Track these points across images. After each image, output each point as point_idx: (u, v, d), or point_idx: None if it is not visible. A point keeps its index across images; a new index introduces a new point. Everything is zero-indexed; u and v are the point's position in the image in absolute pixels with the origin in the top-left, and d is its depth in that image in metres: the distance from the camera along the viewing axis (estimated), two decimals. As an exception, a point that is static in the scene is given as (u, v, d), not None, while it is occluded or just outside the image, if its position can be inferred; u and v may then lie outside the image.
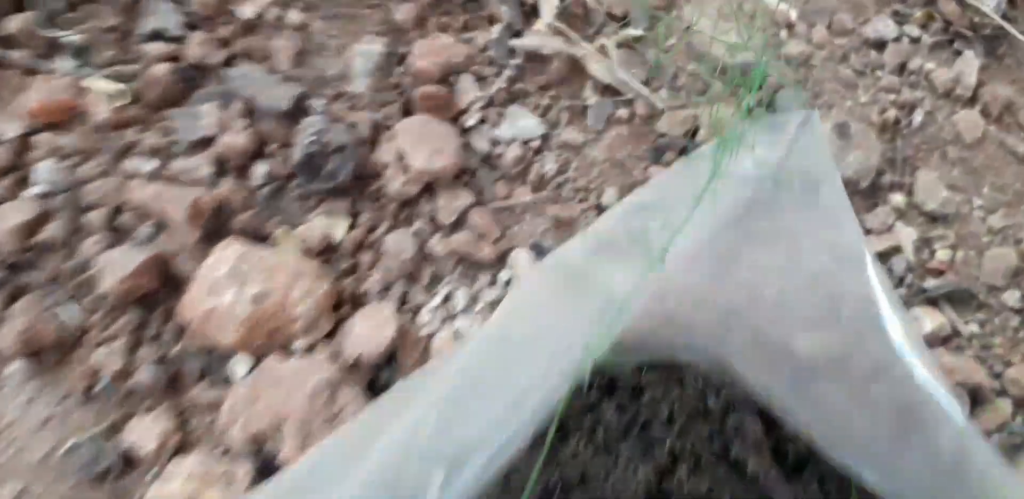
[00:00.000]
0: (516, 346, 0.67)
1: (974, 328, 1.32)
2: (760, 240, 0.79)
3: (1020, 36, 1.33)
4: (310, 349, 1.16)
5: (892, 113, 1.33)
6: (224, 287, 1.13)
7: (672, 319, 0.91)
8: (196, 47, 1.21)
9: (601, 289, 0.69)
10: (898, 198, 1.34)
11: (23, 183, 1.19)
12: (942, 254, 1.33)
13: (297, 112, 1.22)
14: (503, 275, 1.27)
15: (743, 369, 0.87)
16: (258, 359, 1.16)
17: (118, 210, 1.19)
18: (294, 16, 1.25)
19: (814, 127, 0.82)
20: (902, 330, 0.72)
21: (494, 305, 1.26)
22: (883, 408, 0.69)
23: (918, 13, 1.37)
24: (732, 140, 0.74)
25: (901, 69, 1.36)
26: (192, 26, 1.23)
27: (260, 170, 1.21)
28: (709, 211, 0.74)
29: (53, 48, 1.23)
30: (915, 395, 0.67)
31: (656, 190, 0.83)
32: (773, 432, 0.88)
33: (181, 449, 1.09)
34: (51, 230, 1.16)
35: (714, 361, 0.90)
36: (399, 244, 1.23)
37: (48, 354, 1.12)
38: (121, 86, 1.17)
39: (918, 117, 1.34)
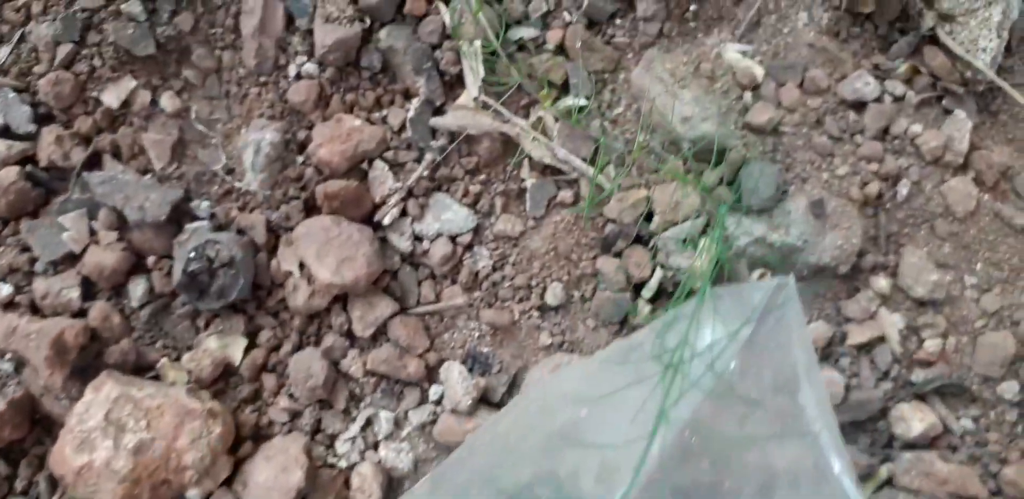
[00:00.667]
0: None
1: (967, 424, 1.18)
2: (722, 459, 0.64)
3: (1018, 97, 1.16)
4: (206, 500, 1.00)
5: (875, 186, 1.16)
6: (98, 440, 0.96)
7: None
8: (50, 146, 1.01)
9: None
10: (882, 282, 1.18)
11: None
12: (931, 343, 1.17)
13: (178, 217, 1.04)
14: (433, 392, 1.11)
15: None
16: (146, 514, 1.00)
17: (-31, 346, 1.01)
18: (169, 101, 1.05)
19: (788, 303, 0.65)
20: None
21: (424, 428, 1.10)
22: None
23: (902, 67, 1.18)
24: (681, 347, 0.58)
25: (884, 133, 1.18)
26: (45, 119, 1.04)
27: (138, 289, 1.04)
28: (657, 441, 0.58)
29: None
30: None
31: (589, 386, 0.67)
32: None
33: None
34: None
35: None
36: (308, 364, 1.06)
37: None
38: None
39: (903, 189, 1.17)
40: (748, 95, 1.18)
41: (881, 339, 1.18)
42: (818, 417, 0.60)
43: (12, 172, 1.01)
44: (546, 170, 1.15)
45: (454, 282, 1.12)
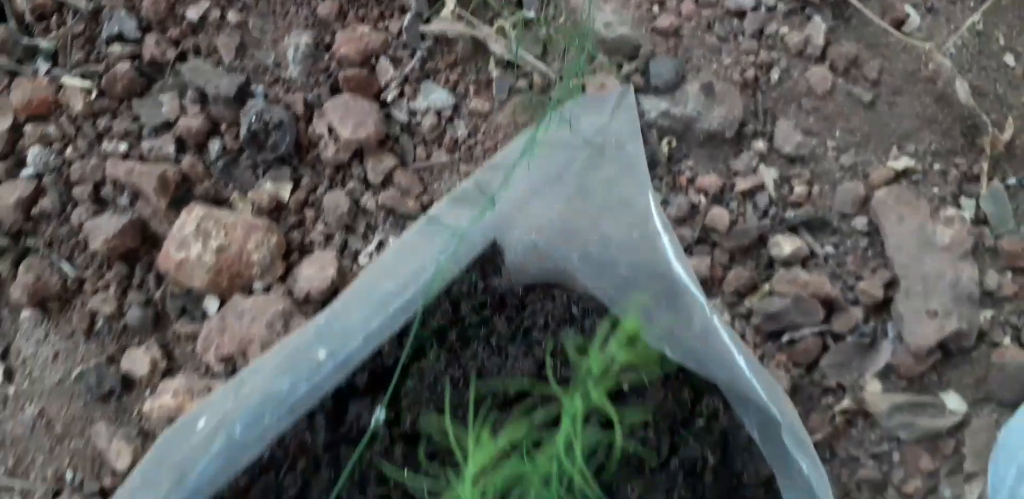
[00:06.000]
0: (386, 269, 0.92)
1: (829, 249, 1.56)
2: (582, 192, 1.04)
3: (860, 6, 1.55)
4: (267, 289, 1.42)
5: (752, 72, 1.56)
6: (191, 242, 1.38)
7: (536, 250, 1.17)
8: (151, 47, 1.44)
9: (449, 226, 0.95)
10: (760, 145, 1.57)
11: (18, 166, 1.45)
12: (800, 189, 1.56)
13: (242, 96, 1.46)
14: (427, 224, 1.52)
15: (587, 283, 1.13)
16: (225, 298, 1.42)
17: (99, 185, 1.44)
18: (233, 16, 1.48)
19: (629, 101, 1.06)
20: (672, 250, 0.98)
21: (420, 249, 1.52)
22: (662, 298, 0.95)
23: (772, -16, 1.59)
24: (548, 117, 0.98)
25: (759, 34, 1.58)
26: (146, 29, 1.47)
27: (215, 146, 1.46)
28: (536, 172, 0.99)
29: (30, 53, 1.47)
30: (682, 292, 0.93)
31: (505, 157, 1.08)
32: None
33: (168, 372, 1.36)
34: (45, 203, 1.42)
35: (568, 278, 1.16)
36: (336, 201, 1.47)
37: (53, 302, 1.38)
38: (88, 83, 1.42)
39: (775, 75, 1.57)
40: (656, 7, 1.58)
41: (761, 187, 1.57)
42: (643, 184, 1.00)
43: (126, 65, 1.44)
44: (507, 65, 1.56)
45: (440, 146, 1.53)
